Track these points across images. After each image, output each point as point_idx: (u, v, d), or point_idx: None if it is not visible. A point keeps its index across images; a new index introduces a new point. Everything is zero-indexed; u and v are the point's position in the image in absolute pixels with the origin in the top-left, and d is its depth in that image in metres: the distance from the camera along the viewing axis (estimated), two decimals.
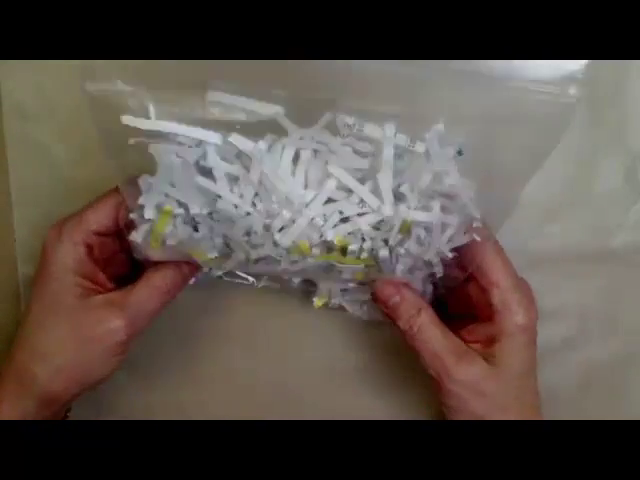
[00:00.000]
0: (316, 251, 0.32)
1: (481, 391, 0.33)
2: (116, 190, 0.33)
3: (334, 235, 0.31)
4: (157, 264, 0.34)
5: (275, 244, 0.32)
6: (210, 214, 0.31)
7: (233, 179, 0.31)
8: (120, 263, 0.36)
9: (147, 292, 0.33)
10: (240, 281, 0.39)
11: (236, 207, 0.31)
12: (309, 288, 0.40)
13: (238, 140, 0.30)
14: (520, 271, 0.37)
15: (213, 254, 0.32)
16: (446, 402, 0.34)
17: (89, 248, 0.33)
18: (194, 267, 0.35)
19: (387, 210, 0.30)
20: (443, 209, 0.32)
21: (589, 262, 0.41)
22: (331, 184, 0.31)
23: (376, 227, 0.32)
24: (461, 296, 0.37)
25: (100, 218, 0.33)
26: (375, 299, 0.35)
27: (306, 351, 0.43)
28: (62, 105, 0.40)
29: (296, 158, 0.31)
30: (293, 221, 0.31)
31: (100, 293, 0.33)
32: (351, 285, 0.38)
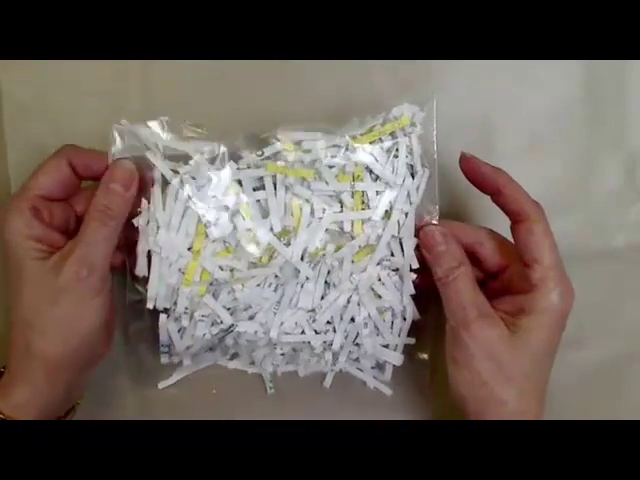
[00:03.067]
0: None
1: (492, 354, 0.33)
2: (60, 153, 0.34)
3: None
4: None
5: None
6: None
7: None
8: None
9: (89, 226, 0.33)
10: None
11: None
12: None
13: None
14: None
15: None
16: (455, 354, 0.34)
17: (36, 211, 0.33)
18: (124, 180, 0.34)
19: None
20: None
21: (589, 262, 0.41)
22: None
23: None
24: (503, 280, 0.37)
25: (43, 183, 0.34)
26: (421, 243, 0.36)
27: None
28: (62, 105, 0.40)
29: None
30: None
31: (56, 253, 0.33)
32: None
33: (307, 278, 0.35)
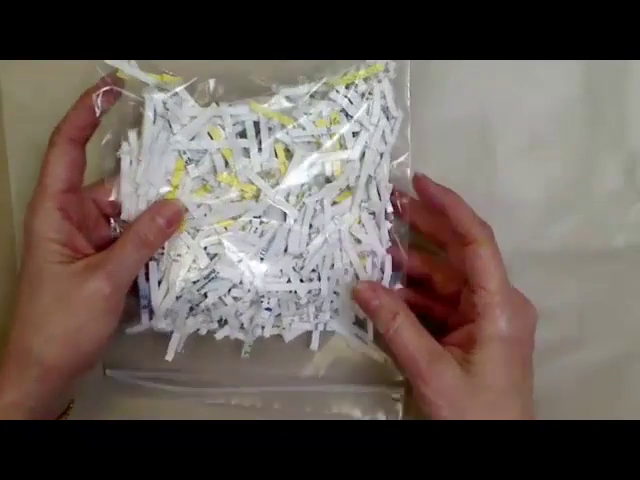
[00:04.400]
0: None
1: (453, 401, 0.32)
2: (56, 138, 0.34)
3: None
4: None
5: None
6: None
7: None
8: (100, 229, 0.36)
9: (123, 248, 0.33)
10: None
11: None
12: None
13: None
14: (520, 271, 0.37)
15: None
16: (421, 407, 0.33)
17: (64, 212, 0.33)
18: (170, 218, 0.35)
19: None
20: None
21: (589, 262, 0.41)
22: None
23: None
24: (453, 301, 0.37)
25: (60, 175, 0.33)
26: (357, 302, 0.36)
27: None
28: (62, 105, 0.40)
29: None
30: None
31: (81, 260, 0.33)
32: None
33: (295, 221, 0.35)
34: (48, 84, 0.40)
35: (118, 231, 0.36)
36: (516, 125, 0.41)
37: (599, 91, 0.41)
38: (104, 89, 0.34)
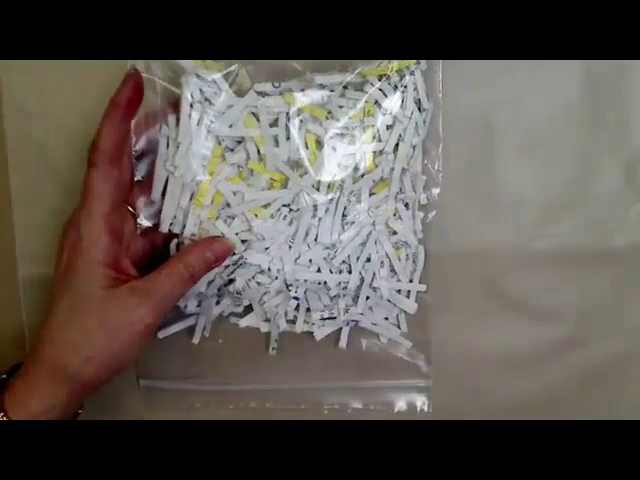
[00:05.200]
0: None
1: None
2: (95, 162, 0.33)
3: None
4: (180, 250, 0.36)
5: None
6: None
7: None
8: (137, 242, 0.37)
9: (171, 280, 0.34)
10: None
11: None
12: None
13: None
14: (520, 271, 0.37)
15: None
16: None
17: (112, 234, 0.34)
18: (219, 254, 0.35)
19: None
20: None
21: (589, 262, 0.41)
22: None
23: None
24: None
25: (103, 198, 0.33)
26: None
27: None
28: (62, 105, 0.40)
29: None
30: None
31: (125, 282, 0.34)
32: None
33: (327, 210, 0.36)
34: (48, 84, 0.40)
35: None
36: (516, 125, 0.41)
37: (599, 91, 0.41)
38: (128, 94, 0.34)
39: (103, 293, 0.33)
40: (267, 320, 0.40)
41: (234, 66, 0.35)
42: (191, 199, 0.36)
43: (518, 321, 0.41)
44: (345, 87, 0.36)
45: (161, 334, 0.40)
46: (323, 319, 0.39)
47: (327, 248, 0.37)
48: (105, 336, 0.33)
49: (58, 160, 0.41)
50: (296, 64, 0.36)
